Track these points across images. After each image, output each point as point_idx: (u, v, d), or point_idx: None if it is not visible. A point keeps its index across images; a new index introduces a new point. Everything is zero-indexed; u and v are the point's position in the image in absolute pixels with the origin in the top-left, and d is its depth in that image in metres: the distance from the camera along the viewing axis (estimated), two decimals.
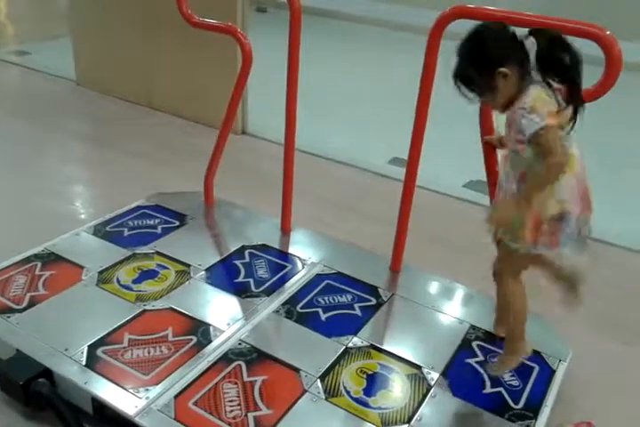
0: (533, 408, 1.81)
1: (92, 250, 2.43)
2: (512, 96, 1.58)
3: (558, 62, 1.55)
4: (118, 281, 2.23)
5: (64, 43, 4.62)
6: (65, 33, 4.62)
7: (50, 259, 2.34)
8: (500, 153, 1.87)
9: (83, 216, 2.95)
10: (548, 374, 1.95)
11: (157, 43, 4.06)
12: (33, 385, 1.77)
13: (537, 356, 2.01)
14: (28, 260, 2.32)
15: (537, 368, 1.96)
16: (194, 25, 2.50)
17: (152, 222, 2.64)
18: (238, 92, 2.54)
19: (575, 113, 1.58)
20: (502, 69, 1.55)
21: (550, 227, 1.61)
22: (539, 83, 1.56)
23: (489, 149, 1.99)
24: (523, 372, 1.94)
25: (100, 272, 2.27)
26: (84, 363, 1.84)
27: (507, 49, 1.56)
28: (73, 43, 4.53)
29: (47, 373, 1.81)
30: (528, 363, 1.98)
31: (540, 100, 1.52)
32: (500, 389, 1.87)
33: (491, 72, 1.56)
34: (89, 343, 1.92)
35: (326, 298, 2.23)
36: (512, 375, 1.92)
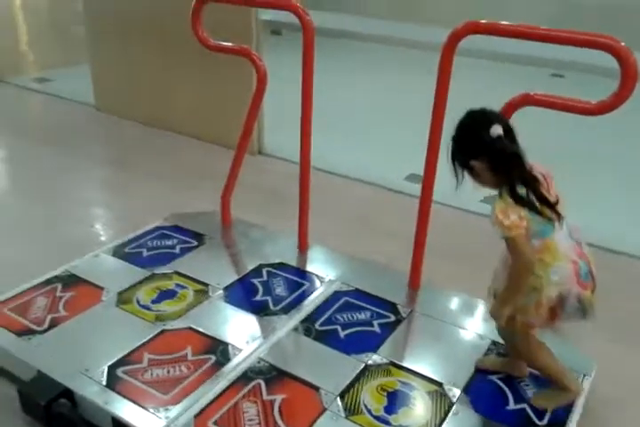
0: (558, 425, 1.78)
1: (112, 271, 2.45)
2: (496, 184, 1.66)
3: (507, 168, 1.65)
4: (138, 301, 2.25)
5: (84, 69, 4.72)
6: (84, 60, 4.72)
7: (70, 280, 2.37)
8: None
9: (102, 238, 2.98)
10: None
11: (174, 66, 4.14)
12: (54, 406, 1.78)
13: None
14: (48, 281, 2.35)
15: None
16: (210, 48, 2.55)
17: (170, 243, 2.66)
18: (254, 113, 2.57)
19: (547, 203, 1.65)
20: (473, 162, 1.64)
21: (550, 308, 1.70)
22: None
23: None
24: (546, 387, 1.90)
25: (120, 293, 2.29)
26: (104, 383, 1.85)
27: (478, 144, 1.63)
28: (92, 69, 4.63)
29: (68, 393, 1.82)
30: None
31: (500, 209, 1.62)
32: (524, 405, 1.84)
33: (467, 156, 1.65)
34: (109, 364, 1.93)
35: (345, 315, 2.22)
36: (535, 392, 1.89)
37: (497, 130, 1.59)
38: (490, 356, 2.04)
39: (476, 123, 1.64)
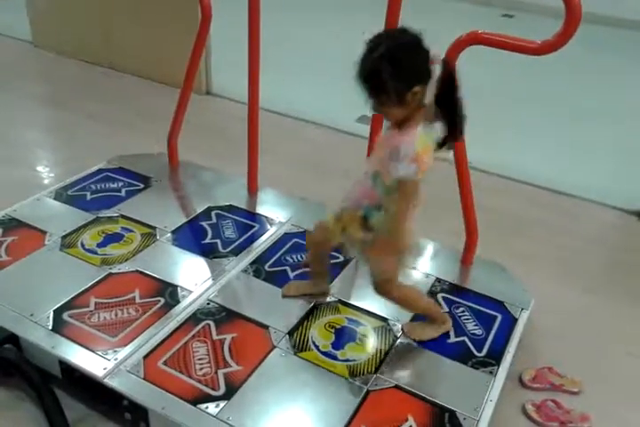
0: (496, 356, 1.87)
1: (55, 215, 2.39)
2: (406, 117, 1.51)
3: (455, 102, 1.52)
4: (82, 245, 2.21)
5: (18, 1, 4.42)
6: None
7: (11, 225, 2.30)
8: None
9: (44, 181, 2.88)
10: (510, 322, 2.01)
11: (116, 0, 3.91)
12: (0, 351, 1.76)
13: (499, 305, 2.07)
14: None
15: (499, 317, 2.02)
16: None
17: (115, 185, 2.60)
18: (199, 50, 2.47)
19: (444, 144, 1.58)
20: (417, 88, 1.45)
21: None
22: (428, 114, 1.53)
23: None
24: (486, 321, 1.99)
25: (64, 237, 2.24)
26: (50, 327, 1.83)
27: (427, 68, 1.46)
28: (27, 1, 4.34)
29: (13, 338, 1.80)
30: (491, 312, 2.03)
31: (425, 148, 1.50)
32: (464, 338, 1.92)
33: (408, 87, 1.44)
34: (54, 308, 1.91)
35: (294, 256, 2.24)
36: (475, 325, 1.97)
37: (438, 54, 1.46)
38: (291, 282, 2.08)
39: (422, 43, 1.45)
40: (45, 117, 3.61)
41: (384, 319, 1.97)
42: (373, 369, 1.79)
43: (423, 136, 1.51)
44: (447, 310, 2.03)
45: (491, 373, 1.81)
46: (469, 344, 1.90)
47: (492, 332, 1.95)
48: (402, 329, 1.93)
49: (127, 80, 4.01)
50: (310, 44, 4.92)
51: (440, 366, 1.83)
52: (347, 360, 1.81)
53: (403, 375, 1.78)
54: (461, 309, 2.04)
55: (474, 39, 1.88)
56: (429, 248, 2.38)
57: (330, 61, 4.55)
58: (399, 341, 1.90)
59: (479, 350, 1.88)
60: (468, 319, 1.99)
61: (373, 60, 1.43)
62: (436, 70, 1.46)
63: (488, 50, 1.87)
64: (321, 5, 5.95)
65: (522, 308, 2.06)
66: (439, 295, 2.10)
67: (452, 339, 1.92)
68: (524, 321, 2.02)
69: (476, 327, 1.96)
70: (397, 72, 1.42)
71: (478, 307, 2.05)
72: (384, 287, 1.79)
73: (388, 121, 1.59)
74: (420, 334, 1.90)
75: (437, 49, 1.49)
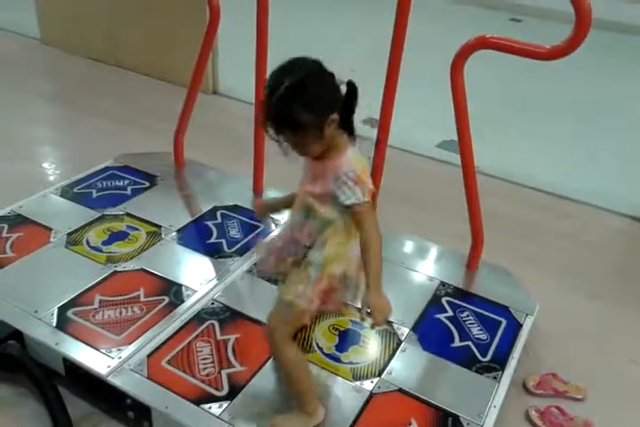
0: (500, 361, 1.86)
1: (60, 212, 2.39)
2: (328, 147, 1.42)
3: (352, 115, 1.45)
4: (88, 243, 2.21)
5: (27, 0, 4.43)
6: None
7: (17, 221, 2.30)
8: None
9: (50, 178, 2.89)
10: (514, 327, 2.00)
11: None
12: (3, 348, 1.76)
13: (505, 310, 2.06)
14: None
15: (504, 322, 2.01)
16: None
17: (121, 184, 2.60)
18: (207, 49, 2.47)
19: None
20: (333, 116, 1.36)
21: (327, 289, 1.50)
22: (347, 138, 1.45)
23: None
24: (491, 326, 1.99)
25: (69, 234, 2.24)
26: (54, 324, 1.83)
27: (337, 93, 1.38)
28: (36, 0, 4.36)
29: (17, 335, 1.80)
30: (495, 317, 2.03)
31: (363, 170, 1.42)
32: (469, 342, 1.92)
33: (325, 118, 1.35)
34: (59, 305, 1.91)
35: None
36: (480, 329, 1.97)
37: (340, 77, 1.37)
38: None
39: (324, 69, 1.38)
40: (52, 115, 3.62)
41: (388, 323, 1.96)
42: (377, 372, 1.79)
43: (356, 157, 1.43)
44: (452, 313, 2.03)
45: (495, 378, 1.80)
46: (474, 349, 1.89)
47: (497, 337, 1.95)
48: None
49: (134, 78, 4.01)
50: (317, 43, 4.91)
51: (444, 370, 1.83)
52: (350, 363, 1.81)
53: (406, 379, 1.78)
54: (466, 313, 2.03)
55: (482, 44, 1.88)
56: (434, 251, 2.37)
57: (345, 63, 4.56)
58: (403, 344, 1.89)
59: (483, 355, 1.87)
60: (472, 324, 1.99)
61: (279, 101, 1.32)
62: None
63: (495, 54, 1.87)
64: (330, 3, 5.95)
65: (527, 313, 2.06)
66: (443, 299, 2.09)
67: (457, 343, 1.91)
68: (528, 327, 2.01)
69: (481, 332, 1.96)
70: (310, 107, 1.33)
71: (483, 311, 2.05)
72: (278, 330, 1.54)
73: (308, 157, 1.47)
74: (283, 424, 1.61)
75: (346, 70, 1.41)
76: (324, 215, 1.46)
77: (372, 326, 1.41)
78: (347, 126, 1.44)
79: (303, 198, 1.51)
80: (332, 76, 1.38)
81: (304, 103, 1.32)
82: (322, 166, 1.44)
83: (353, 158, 1.42)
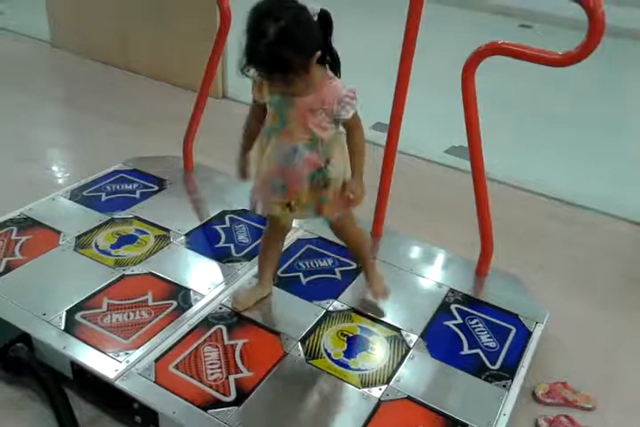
0: (510, 369, 1.85)
1: (69, 215, 2.40)
2: (310, 80, 1.53)
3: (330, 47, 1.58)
4: (96, 246, 2.21)
5: (38, 2, 4.46)
6: None
7: (26, 224, 2.30)
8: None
9: (59, 181, 2.90)
10: (524, 335, 1.98)
11: (135, 2, 3.93)
12: (11, 350, 1.76)
13: (514, 318, 2.05)
14: (3, 225, 2.29)
15: (514, 330, 2.00)
16: None
17: (130, 187, 2.60)
18: (217, 54, 2.48)
19: None
20: (317, 52, 1.48)
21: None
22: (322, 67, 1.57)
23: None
24: (500, 334, 1.97)
25: (78, 237, 2.25)
26: (62, 328, 1.83)
27: (318, 30, 1.48)
28: (47, 2, 4.37)
29: (25, 338, 1.80)
30: (505, 325, 2.01)
31: (352, 92, 1.57)
32: (478, 350, 1.90)
33: (311, 55, 1.46)
34: (67, 308, 1.91)
35: (307, 262, 2.23)
36: (489, 337, 1.95)
37: (315, 9, 1.47)
38: (234, 293, 2.04)
39: (305, 9, 1.44)
40: (62, 118, 3.63)
41: (397, 329, 1.95)
42: (385, 379, 1.77)
43: (340, 81, 1.59)
44: (461, 320, 2.01)
45: (504, 386, 1.79)
46: (483, 357, 1.88)
47: (506, 345, 1.93)
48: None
49: (144, 82, 4.03)
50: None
51: (453, 378, 1.81)
52: (358, 369, 1.80)
53: (415, 387, 1.77)
54: (475, 320, 2.02)
55: (494, 50, 1.87)
56: (443, 258, 2.36)
57: (350, 68, 4.57)
58: (412, 351, 1.88)
59: (493, 363, 1.86)
60: (482, 331, 1.97)
61: (269, 47, 1.39)
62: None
63: (506, 60, 1.87)
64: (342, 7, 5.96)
65: (536, 321, 2.04)
66: (452, 306, 2.08)
67: (466, 351, 1.90)
68: (538, 335, 1.99)
69: (490, 340, 1.94)
70: (299, 49, 1.43)
71: (492, 319, 2.03)
72: (346, 228, 1.90)
73: (292, 93, 1.56)
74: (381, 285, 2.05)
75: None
76: (329, 138, 1.62)
77: (350, 205, 1.73)
78: (324, 58, 1.56)
79: (304, 137, 1.61)
80: (309, 14, 1.46)
81: (295, 47, 1.41)
82: (314, 98, 1.56)
83: (336, 79, 1.59)
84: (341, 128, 1.65)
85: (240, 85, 3.90)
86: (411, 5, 1.94)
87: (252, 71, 1.54)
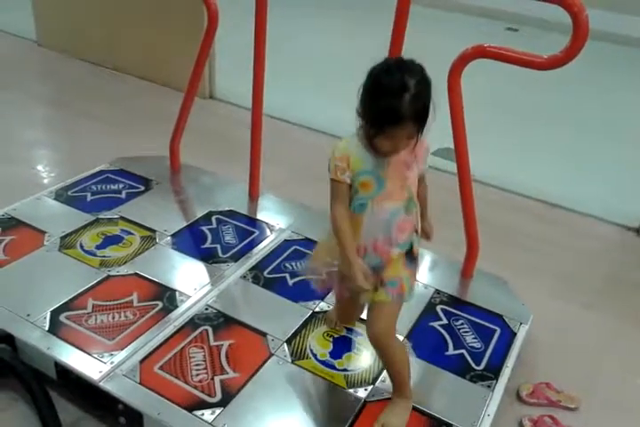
0: (494, 369, 1.86)
1: (54, 215, 2.38)
2: None
3: None
4: (81, 246, 2.19)
5: (24, 1, 4.42)
6: None
7: (10, 224, 2.28)
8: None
9: (44, 181, 2.87)
10: (509, 336, 2.00)
11: (122, 1, 3.91)
12: None
13: (499, 319, 2.06)
14: None
15: (498, 331, 2.01)
16: None
17: (116, 187, 2.59)
18: (204, 53, 2.47)
19: None
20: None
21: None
22: None
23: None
24: (485, 334, 1.99)
25: (63, 237, 2.23)
26: (46, 328, 1.82)
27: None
28: (33, 0, 4.34)
29: (9, 338, 1.79)
30: (489, 325, 2.03)
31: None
32: (463, 351, 1.91)
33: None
34: (51, 309, 1.90)
35: (294, 263, 2.23)
36: (474, 338, 1.96)
37: None
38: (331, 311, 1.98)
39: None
40: (48, 117, 3.60)
41: None
42: (371, 380, 1.78)
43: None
44: (446, 322, 2.03)
45: (489, 387, 1.80)
46: (468, 357, 1.89)
47: (491, 345, 1.95)
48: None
49: (130, 82, 4.01)
50: (317, 49, 4.93)
51: (438, 378, 1.82)
52: (344, 370, 1.80)
53: None
54: (460, 321, 2.03)
55: (479, 53, 1.89)
56: (429, 259, 2.37)
57: (338, 69, 4.57)
58: None
59: (478, 364, 1.87)
60: (466, 332, 1.99)
61: (414, 97, 1.36)
62: None
63: (492, 63, 1.88)
64: (325, 11, 5.97)
65: (521, 322, 2.06)
66: (438, 307, 2.09)
67: (451, 351, 1.91)
68: (522, 336, 2.01)
69: (475, 340, 1.95)
70: (430, 100, 1.41)
71: (477, 320, 2.05)
72: (385, 339, 1.59)
73: (398, 150, 1.47)
74: (399, 421, 1.65)
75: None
76: (415, 195, 1.59)
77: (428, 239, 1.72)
78: None
79: (402, 195, 1.54)
80: None
81: (429, 98, 1.41)
82: (407, 152, 1.50)
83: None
84: None
85: (227, 86, 3.90)
86: (398, 9, 1.95)
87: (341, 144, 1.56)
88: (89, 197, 2.50)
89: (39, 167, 3.03)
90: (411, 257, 1.60)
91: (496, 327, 2.03)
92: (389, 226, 1.53)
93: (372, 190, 1.51)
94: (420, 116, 1.39)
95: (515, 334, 2.01)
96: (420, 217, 1.65)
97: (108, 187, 2.59)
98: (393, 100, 1.36)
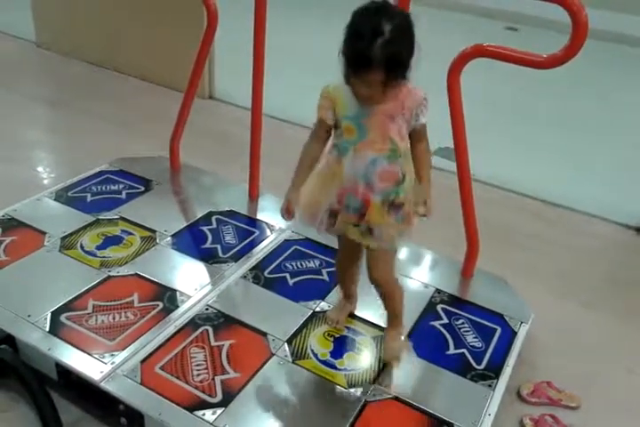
0: (495, 369, 1.86)
1: (55, 216, 2.38)
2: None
3: None
4: (82, 247, 2.19)
5: (23, 0, 4.42)
6: None
7: (11, 224, 2.29)
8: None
9: (44, 182, 2.87)
10: (509, 335, 2.00)
11: (122, 2, 3.91)
12: None
13: (499, 318, 2.06)
14: None
15: (499, 330, 2.01)
16: None
17: (116, 188, 2.59)
18: (204, 53, 2.47)
19: None
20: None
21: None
22: None
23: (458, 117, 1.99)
24: (486, 334, 1.99)
25: (63, 238, 2.23)
26: (47, 329, 1.82)
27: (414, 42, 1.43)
28: (32, 0, 4.33)
29: (10, 339, 1.79)
30: (490, 325, 2.03)
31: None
32: (463, 350, 1.91)
33: (408, 66, 1.42)
34: (52, 309, 1.90)
35: (294, 263, 2.23)
36: (475, 337, 1.96)
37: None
38: (331, 311, 2.00)
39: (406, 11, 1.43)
40: (48, 118, 3.61)
41: (383, 329, 1.95)
42: (372, 379, 1.78)
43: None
44: (447, 321, 2.03)
45: (490, 386, 1.80)
46: (469, 357, 1.89)
47: (492, 345, 1.94)
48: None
49: (130, 82, 4.01)
50: (317, 50, 4.92)
51: (439, 377, 1.82)
52: (345, 370, 1.80)
53: (401, 387, 1.77)
54: (461, 320, 2.03)
55: (479, 52, 1.89)
56: (429, 258, 2.37)
57: (334, 68, 4.57)
58: None
59: (478, 363, 1.87)
60: (467, 331, 1.99)
61: (387, 44, 1.34)
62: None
63: (491, 62, 1.88)
64: (325, 11, 5.97)
65: (521, 321, 2.06)
66: (439, 306, 2.09)
67: (452, 351, 1.91)
68: (523, 335, 2.01)
69: (476, 340, 1.95)
70: (411, 49, 1.39)
71: (478, 319, 2.05)
72: (387, 281, 1.75)
73: (377, 99, 1.47)
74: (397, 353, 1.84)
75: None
76: (405, 150, 1.56)
77: (424, 215, 1.63)
78: None
79: (384, 146, 1.53)
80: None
81: (408, 47, 1.39)
82: (394, 104, 1.49)
83: (414, 84, 1.50)
84: None
85: (227, 86, 3.90)
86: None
87: (330, 86, 1.54)
88: (89, 198, 2.50)
89: (39, 168, 3.03)
90: (394, 206, 1.60)
91: (497, 326, 2.02)
92: (369, 173, 1.55)
93: (353, 137, 1.54)
94: (393, 63, 1.37)
95: (515, 333, 2.01)
96: (417, 178, 1.61)
97: (108, 187, 2.59)
98: (362, 43, 1.36)
